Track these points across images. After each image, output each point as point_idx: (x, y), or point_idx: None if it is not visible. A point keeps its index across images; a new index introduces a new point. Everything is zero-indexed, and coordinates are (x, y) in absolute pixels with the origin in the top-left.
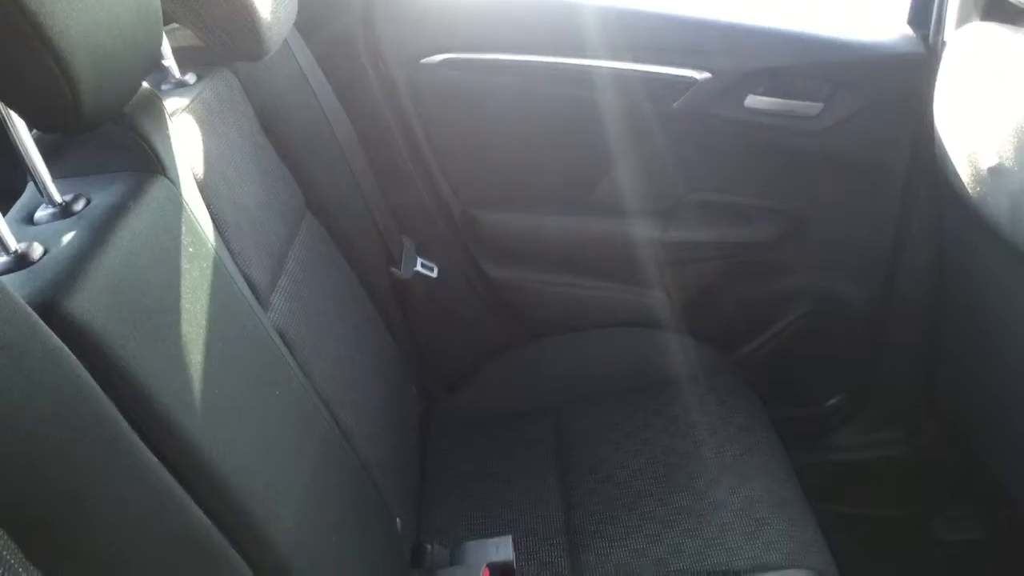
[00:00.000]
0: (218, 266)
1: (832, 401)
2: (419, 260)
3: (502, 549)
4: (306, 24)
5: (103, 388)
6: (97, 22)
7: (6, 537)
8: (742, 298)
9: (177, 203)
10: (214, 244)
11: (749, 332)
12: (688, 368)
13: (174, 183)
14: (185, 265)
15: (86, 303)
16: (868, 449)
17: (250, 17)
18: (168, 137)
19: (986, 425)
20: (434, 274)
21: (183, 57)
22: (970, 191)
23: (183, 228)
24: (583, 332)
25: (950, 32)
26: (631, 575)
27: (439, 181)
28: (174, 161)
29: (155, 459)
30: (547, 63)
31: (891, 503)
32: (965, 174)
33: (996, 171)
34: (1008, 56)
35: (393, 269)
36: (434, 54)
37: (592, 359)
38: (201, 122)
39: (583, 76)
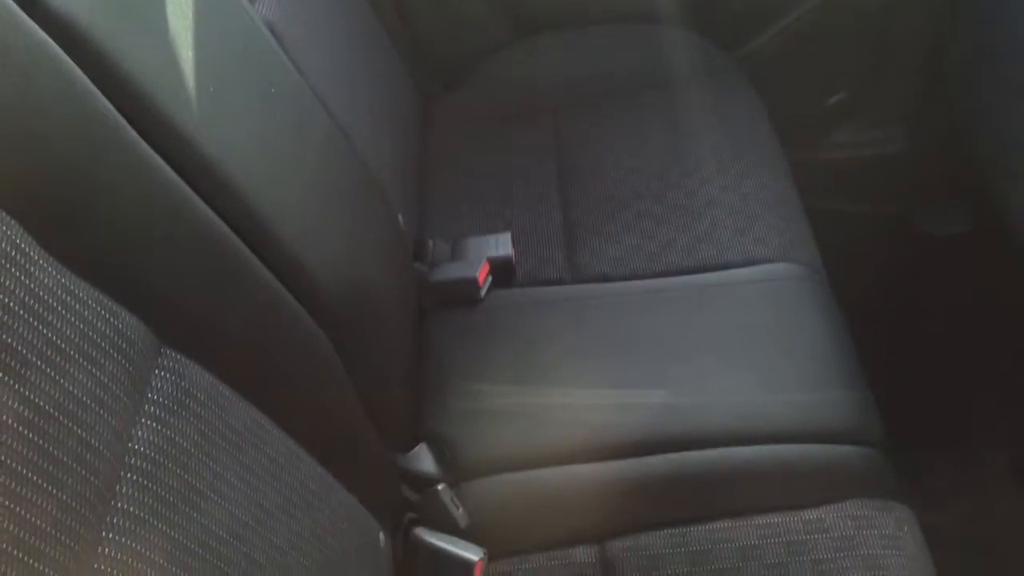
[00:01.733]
0: None
1: (835, 99)
2: None
3: (501, 245)
4: None
5: (93, 82)
6: None
7: (20, 228)
8: None
9: None
10: None
11: (754, 27)
12: (690, 66)
13: None
14: None
15: None
16: (867, 147)
17: None
18: None
19: (984, 121)
20: None
21: None
22: None
23: None
24: (583, 28)
25: None
26: (625, 269)
27: None
28: None
29: (155, 154)
30: None
31: (886, 200)
32: None
33: None
34: None
35: None
36: None
37: (593, 56)
38: None
39: None
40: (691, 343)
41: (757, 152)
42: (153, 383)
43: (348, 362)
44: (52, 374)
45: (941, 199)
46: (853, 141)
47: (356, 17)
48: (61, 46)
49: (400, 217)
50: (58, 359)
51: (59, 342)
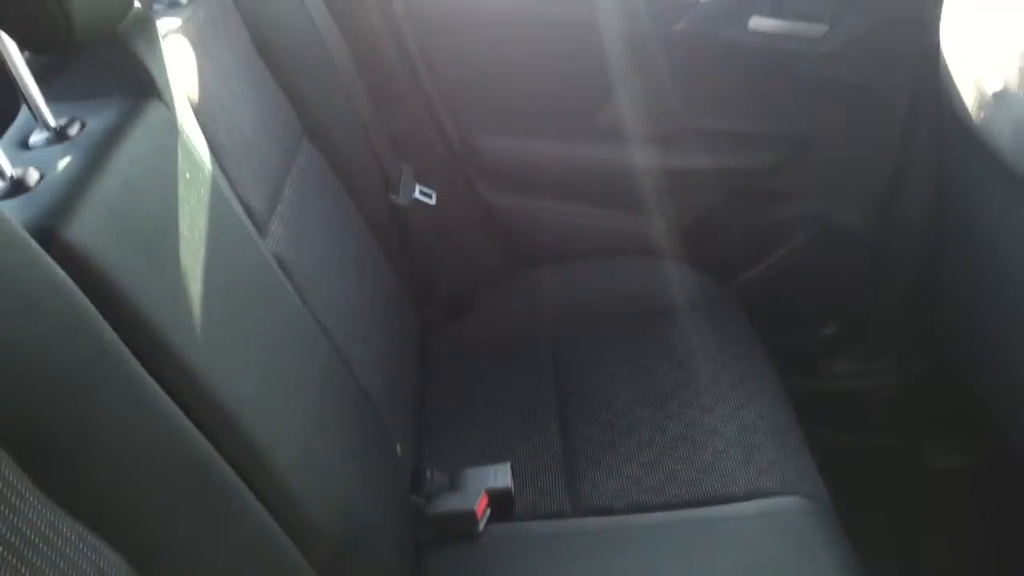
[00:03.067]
0: (216, 192)
1: (828, 329)
2: (417, 187)
3: (500, 476)
4: None
5: (102, 314)
6: None
7: (11, 460)
8: (742, 226)
9: (173, 127)
10: (211, 169)
11: (748, 260)
12: (686, 296)
13: (169, 107)
14: (182, 191)
15: (84, 229)
16: (863, 377)
17: None
18: (162, 59)
19: (979, 354)
20: (432, 201)
21: None
22: (973, 116)
23: (179, 153)
24: (582, 260)
25: None
26: (627, 502)
27: (438, 106)
28: (168, 84)
29: (156, 385)
30: None
31: (884, 431)
32: (969, 99)
33: (1001, 96)
34: None
35: (392, 196)
36: None
37: (591, 287)
38: (194, 44)
39: None
40: None
41: (755, 382)
42: None
43: None
44: None
45: (942, 430)
46: (850, 372)
47: (361, 250)
48: (74, 279)
49: (398, 447)
50: None
51: None
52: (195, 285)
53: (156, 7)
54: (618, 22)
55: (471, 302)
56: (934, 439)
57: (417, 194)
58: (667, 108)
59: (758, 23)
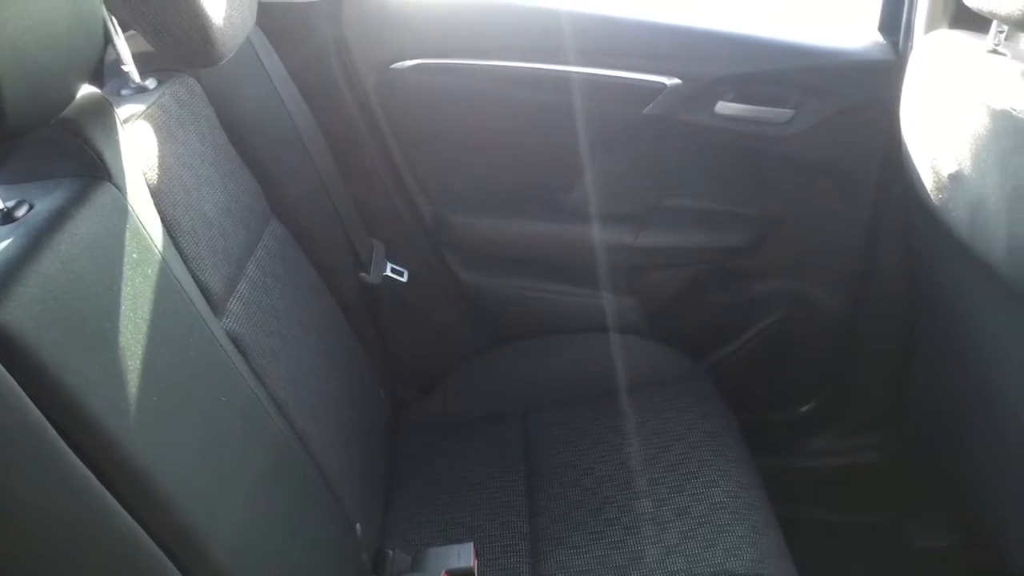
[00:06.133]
0: (164, 272)
1: (806, 407)
2: (389, 264)
3: (463, 556)
4: (274, 28)
5: (31, 396)
6: (26, 28)
7: None
8: (714, 304)
9: (122, 209)
10: (161, 250)
11: (721, 338)
12: (658, 374)
13: (120, 188)
14: (127, 271)
15: (16, 310)
16: (841, 455)
17: (201, 23)
18: (116, 142)
19: (952, 430)
20: (404, 278)
21: (145, 62)
22: (933, 197)
23: (127, 234)
24: (554, 337)
25: (919, 38)
26: None
27: (410, 184)
28: (122, 166)
29: (84, 467)
30: (517, 68)
31: (863, 509)
32: (928, 180)
33: (956, 178)
34: (969, 64)
35: (362, 274)
36: (404, 59)
37: (562, 364)
38: (158, 127)
39: (553, 81)
40: None
41: (725, 460)
42: None
43: None
44: None
45: (923, 509)
46: (828, 449)
47: (329, 328)
48: (2, 359)
49: (359, 527)
50: None
51: None
52: (133, 364)
53: (124, 92)
54: (587, 105)
55: (442, 379)
56: (917, 517)
57: (388, 271)
58: (637, 188)
59: (724, 107)
